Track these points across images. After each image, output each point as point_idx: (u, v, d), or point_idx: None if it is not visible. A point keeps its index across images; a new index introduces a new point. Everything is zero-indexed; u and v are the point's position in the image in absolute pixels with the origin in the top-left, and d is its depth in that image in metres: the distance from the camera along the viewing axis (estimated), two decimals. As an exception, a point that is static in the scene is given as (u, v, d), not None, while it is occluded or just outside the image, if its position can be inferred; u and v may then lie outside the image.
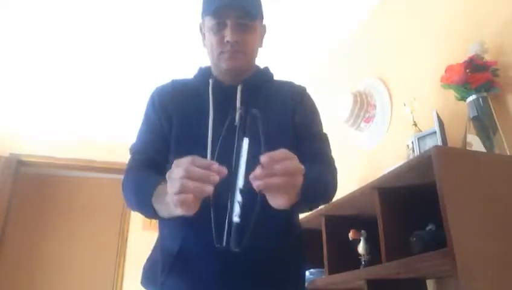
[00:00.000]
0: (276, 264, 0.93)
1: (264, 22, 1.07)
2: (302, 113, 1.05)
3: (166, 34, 2.46)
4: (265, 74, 1.11)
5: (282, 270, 0.94)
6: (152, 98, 1.07)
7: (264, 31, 1.09)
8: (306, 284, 1.74)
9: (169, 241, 0.95)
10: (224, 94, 1.01)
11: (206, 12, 1.00)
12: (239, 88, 1.01)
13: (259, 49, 1.07)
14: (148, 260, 1.03)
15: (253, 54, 1.04)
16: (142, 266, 1.03)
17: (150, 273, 0.99)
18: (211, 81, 1.03)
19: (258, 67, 1.11)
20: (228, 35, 0.95)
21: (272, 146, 0.69)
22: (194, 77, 1.11)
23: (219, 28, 0.97)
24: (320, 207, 1.68)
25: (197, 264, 0.90)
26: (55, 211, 3.87)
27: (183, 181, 0.65)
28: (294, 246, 1.00)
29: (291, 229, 1.00)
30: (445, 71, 1.45)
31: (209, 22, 0.99)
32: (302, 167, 0.71)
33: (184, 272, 0.91)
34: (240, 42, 0.97)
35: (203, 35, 1.06)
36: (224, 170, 0.67)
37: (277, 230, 0.93)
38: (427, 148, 1.37)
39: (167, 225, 0.97)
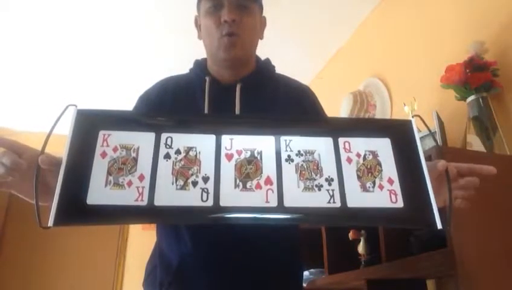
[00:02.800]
0: (274, 277, 0.92)
1: (265, 19, 1.04)
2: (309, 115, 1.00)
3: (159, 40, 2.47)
4: (266, 69, 1.04)
5: (281, 281, 0.93)
6: (141, 100, 1.02)
7: (264, 24, 1.04)
8: (306, 284, 1.75)
9: (168, 255, 0.93)
10: (222, 95, 0.95)
11: None
12: (238, 88, 0.95)
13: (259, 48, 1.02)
14: (149, 264, 1.02)
15: (252, 41, 0.98)
16: (145, 267, 1.03)
17: (150, 279, 0.98)
18: (207, 78, 0.97)
19: (258, 61, 1.04)
20: (225, 14, 0.90)
21: None
22: (190, 71, 1.04)
23: (216, 9, 0.93)
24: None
25: (196, 281, 0.89)
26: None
27: None
28: (292, 255, 0.98)
29: (288, 239, 0.97)
30: (445, 71, 1.45)
31: (205, 4, 0.94)
32: None
33: (183, 288, 0.90)
34: (239, 22, 0.92)
35: (199, 27, 1.01)
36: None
37: (275, 244, 0.91)
38: (427, 148, 1.37)
39: (166, 237, 0.96)
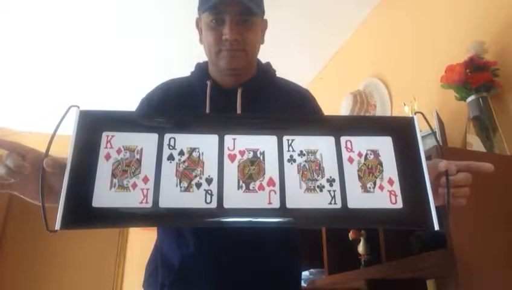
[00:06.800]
0: (275, 277, 0.92)
1: (266, 22, 1.03)
2: None
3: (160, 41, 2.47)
4: (267, 73, 1.05)
5: (281, 281, 0.94)
6: (142, 103, 1.02)
7: (266, 27, 1.03)
8: (306, 284, 1.75)
9: (169, 256, 0.94)
10: (223, 99, 0.96)
11: (203, 8, 0.94)
12: (239, 92, 0.95)
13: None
14: (150, 264, 1.02)
15: (254, 52, 0.98)
16: (145, 267, 1.03)
17: (151, 279, 0.98)
18: (208, 83, 0.97)
19: (259, 65, 1.05)
20: (227, 33, 0.90)
21: None
22: (191, 74, 1.05)
23: (217, 24, 0.91)
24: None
25: (197, 283, 0.90)
26: (55, 210, 3.86)
27: None
28: (292, 255, 0.99)
29: (289, 239, 0.98)
30: (445, 71, 1.45)
31: (207, 17, 0.93)
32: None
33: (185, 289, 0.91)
34: (240, 40, 0.91)
35: (200, 30, 1.00)
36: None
37: (276, 244, 0.92)
38: (427, 148, 1.38)
39: (168, 238, 0.96)
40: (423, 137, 1.48)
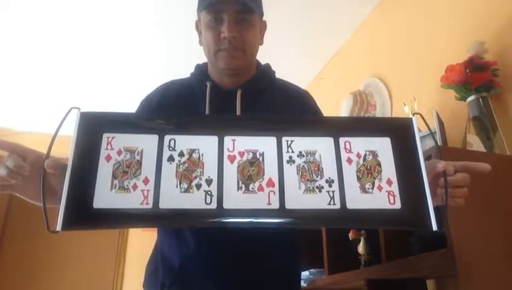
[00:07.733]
0: (275, 278, 0.93)
1: (265, 23, 1.03)
2: None
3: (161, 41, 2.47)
4: (267, 74, 1.05)
5: (282, 282, 0.94)
6: (142, 105, 1.02)
7: (265, 28, 1.03)
8: (306, 284, 1.75)
9: (169, 257, 0.94)
10: (223, 100, 0.96)
11: (201, 6, 0.94)
12: (238, 93, 0.95)
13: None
14: (150, 265, 1.02)
15: (253, 52, 0.98)
16: (145, 268, 1.03)
17: (151, 280, 0.99)
18: (208, 84, 0.97)
19: (258, 66, 1.05)
20: (225, 31, 0.90)
21: None
22: (191, 76, 1.05)
23: (216, 23, 0.91)
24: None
25: (197, 283, 0.90)
26: (56, 211, 3.86)
27: None
28: (292, 255, 0.99)
29: (289, 240, 0.98)
30: (445, 71, 1.45)
31: (205, 17, 0.93)
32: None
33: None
34: (238, 38, 0.91)
35: (199, 32, 1.00)
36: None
37: (276, 245, 0.92)
38: (427, 148, 1.38)
39: (168, 239, 0.96)
40: (423, 137, 1.49)
